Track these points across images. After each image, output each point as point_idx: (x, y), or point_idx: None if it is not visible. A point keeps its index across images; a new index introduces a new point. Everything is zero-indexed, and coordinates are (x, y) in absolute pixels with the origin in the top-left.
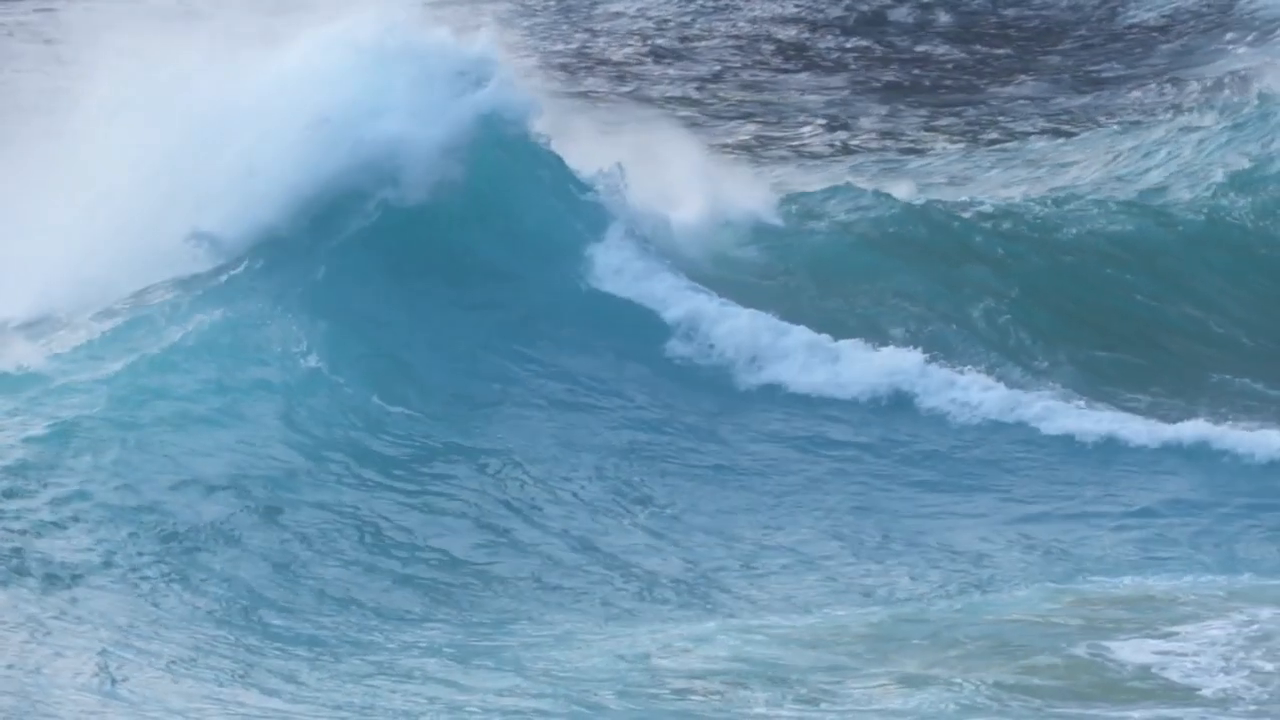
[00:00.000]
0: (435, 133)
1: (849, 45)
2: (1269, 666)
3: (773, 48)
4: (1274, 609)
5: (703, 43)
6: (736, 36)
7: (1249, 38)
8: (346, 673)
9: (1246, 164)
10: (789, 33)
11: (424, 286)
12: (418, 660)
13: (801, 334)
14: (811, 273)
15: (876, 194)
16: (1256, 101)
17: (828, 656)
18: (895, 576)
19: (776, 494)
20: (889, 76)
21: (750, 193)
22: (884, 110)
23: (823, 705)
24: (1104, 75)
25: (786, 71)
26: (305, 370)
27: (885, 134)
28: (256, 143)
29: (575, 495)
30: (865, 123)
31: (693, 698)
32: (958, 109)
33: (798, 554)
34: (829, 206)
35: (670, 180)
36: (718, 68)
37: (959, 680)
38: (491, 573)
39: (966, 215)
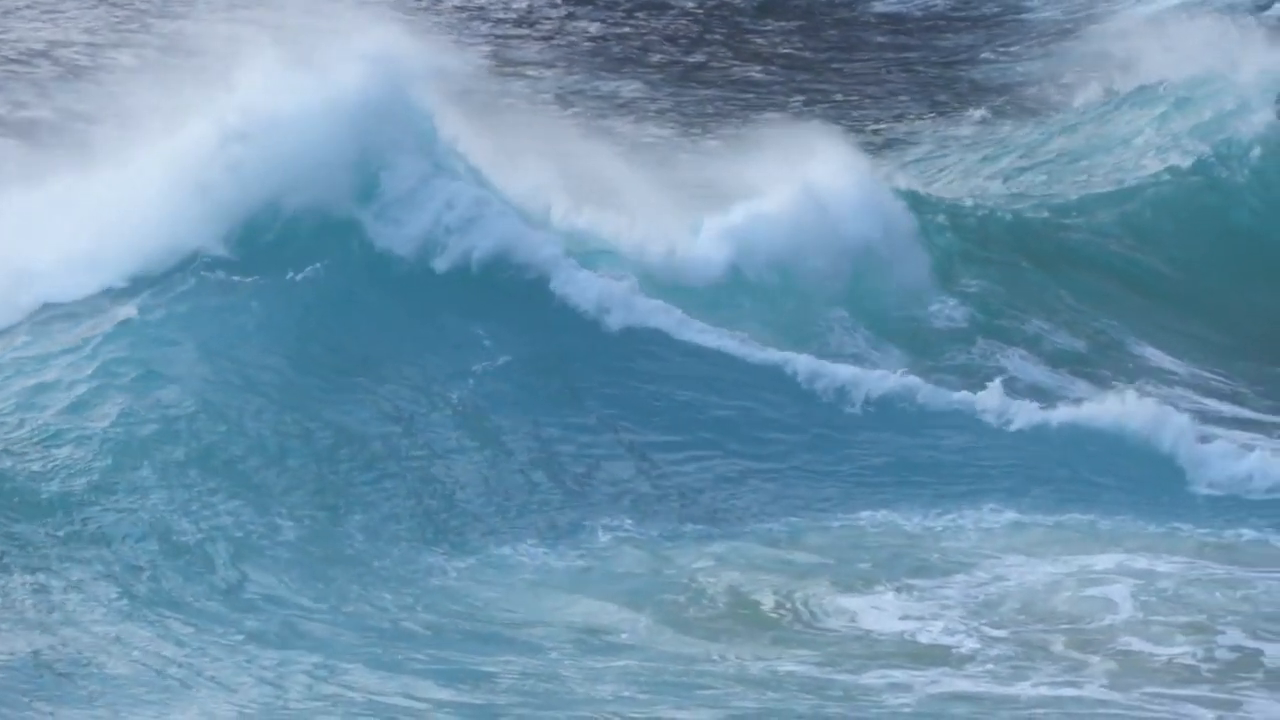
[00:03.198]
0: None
1: (583, 14)
2: (1003, 630)
3: (513, 18)
4: (1021, 558)
5: (440, 16)
6: (473, 8)
7: (984, 38)
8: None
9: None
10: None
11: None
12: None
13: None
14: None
15: None
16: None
17: (586, 602)
18: (636, 523)
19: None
20: (638, 52)
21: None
22: (632, 87)
23: (551, 655)
24: (848, 66)
25: (523, 41)
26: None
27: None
28: None
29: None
30: (618, 104)
31: (448, 647)
32: (709, 91)
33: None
34: None
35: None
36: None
37: (700, 644)
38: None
39: None
